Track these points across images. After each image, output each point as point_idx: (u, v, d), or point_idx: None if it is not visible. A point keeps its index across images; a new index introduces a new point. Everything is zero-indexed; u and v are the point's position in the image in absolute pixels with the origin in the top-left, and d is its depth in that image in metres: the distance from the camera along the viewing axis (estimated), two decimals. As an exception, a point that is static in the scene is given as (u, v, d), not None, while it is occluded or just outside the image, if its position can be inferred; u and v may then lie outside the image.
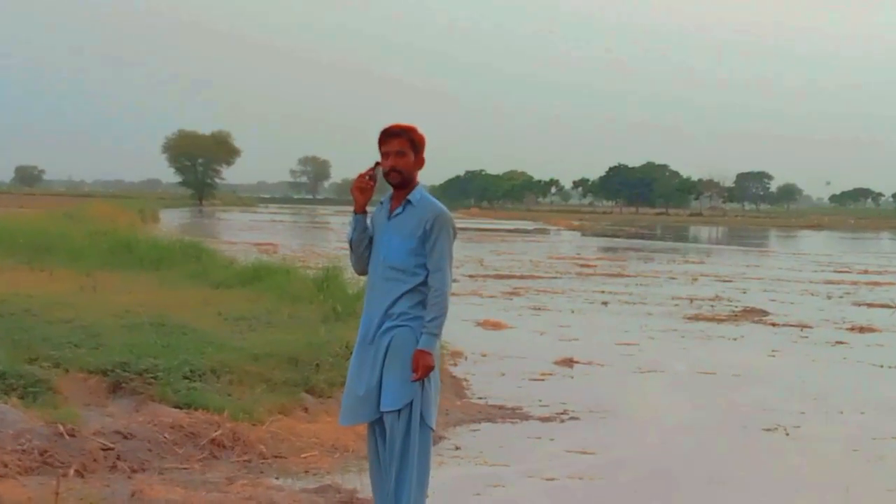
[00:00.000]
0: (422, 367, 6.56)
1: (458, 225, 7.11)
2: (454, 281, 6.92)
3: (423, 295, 6.67)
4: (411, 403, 6.62)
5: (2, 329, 14.16)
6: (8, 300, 17.23)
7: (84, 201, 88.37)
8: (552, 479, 10.94)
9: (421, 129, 6.91)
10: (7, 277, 22.38)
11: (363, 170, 6.84)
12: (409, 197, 6.78)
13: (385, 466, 6.71)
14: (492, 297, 29.69)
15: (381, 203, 6.96)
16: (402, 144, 6.75)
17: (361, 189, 6.80)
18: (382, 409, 6.65)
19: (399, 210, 6.78)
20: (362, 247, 6.92)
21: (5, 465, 9.45)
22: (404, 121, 6.97)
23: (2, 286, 20.12)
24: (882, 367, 19.10)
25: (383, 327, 6.71)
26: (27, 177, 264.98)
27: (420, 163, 6.86)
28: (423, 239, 6.70)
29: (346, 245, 7.11)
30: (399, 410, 6.61)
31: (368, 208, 6.94)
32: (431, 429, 6.74)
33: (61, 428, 10.33)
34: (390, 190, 6.92)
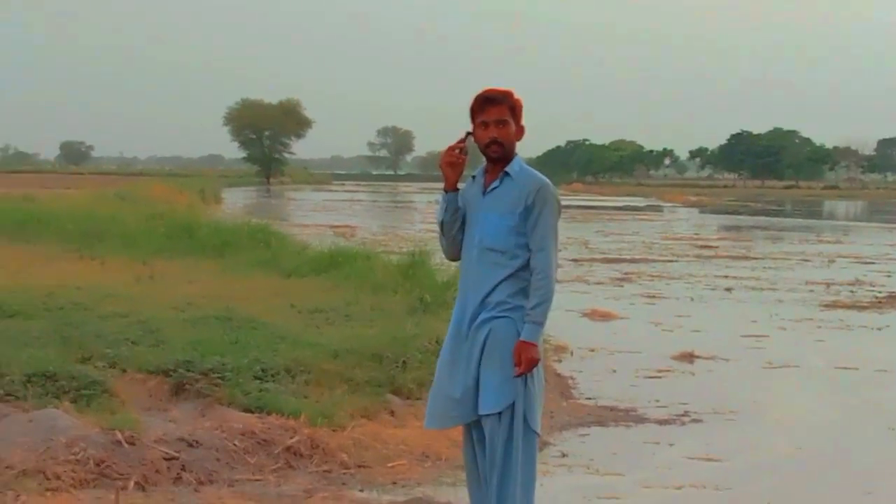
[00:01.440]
0: (525, 361, 6.50)
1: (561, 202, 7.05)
2: (557, 266, 6.85)
3: (525, 281, 6.62)
4: (514, 404, 6.57)
5: (51, 325, 14.31)
6: (56, 293, 17.42)
7: (137, 180, 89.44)
8: (673, 490, 10.91)
9: (517, 96, 6.88)
10: (55, 267, 22.64)
11: (452, 141, 6.81)
12: (507, 169, 6.72)
13: (485, 476, 6.69)
14: (599, 283, 29.67)
15: (473, 178, 6.92)
16: (502, 112, 6.69)
17: (452, 164, 6.75)
18: (481, 411, 6.61)
19: (496, 184, 6.72)
20: (455, 229, 6.87)
21: (58, 478, 9.56)
22: (496, 84, 6.91)
23: (49, 277, 20.36)
24: None
25: (480, 318, 6.67)
26: (74, 154, 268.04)
27: (520, 132, 6.81)
28: (524, 215, 6.63)
29: (436, 227, 7.09)
30: (500, 413, 6.56)
31: (460, 185, 6.88)
32: (536, 433, 6.69)
33: (119, 435, 10.44)
34: (483, 162, 6.90)
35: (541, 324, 6.59)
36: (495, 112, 6.69)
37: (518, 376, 6.54)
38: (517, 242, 6.63)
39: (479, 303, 6.68)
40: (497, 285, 6.65)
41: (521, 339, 6.54)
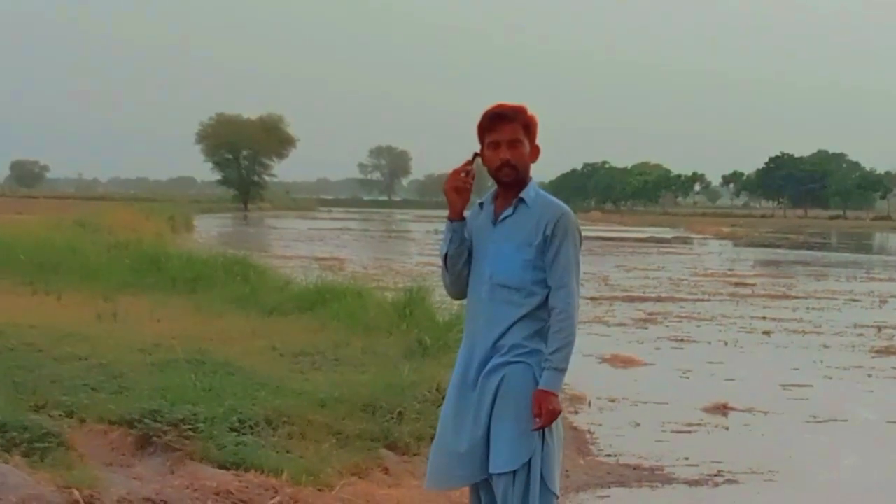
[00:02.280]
0: (546, 413, 6.43)
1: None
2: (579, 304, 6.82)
3: (543, 322, 6.57)
4: (530, 462, 6.52)
5: (0, 369, 14.32)
6: (6, 332, 17.39)
7: (98, 205, 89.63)
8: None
9: (532, 112, 6.83)
10: (5, 303, 22.62)
11: (457, 163, 6.77)
12: (522, 195, 6.66)
13: (495, 546, 6.64)
14: (621, 325, 29.70)
15: (481, 205, 6.86)
16: (515, 131, 6.62)
17: (458, 189, 6.67)
18: (492, 470, 6.54)
19: (509, 212, 6.66)
20: (460, 263, 6.80)
21: (7, 543, 9.56)
22: (508, 99, 6.86)
23: (-2, 314, 20.39)
24: None
25: (491, 364, 6.61)
26: (26, 175, 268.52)
27: (535, 153, 6.76)
28: (542, 247, 6.57)
29: (438, 261, 7.06)
30: (515, 472, 6.50)
31: (466, 213, 6.83)
32: (556, 495, 6.63)
33: (77, 494, 10.43)
34: (492, 187, 6.86)
35: (562, 370, 6.54)
36: (507, 131, 6.63)
37: (536, 430, 6.50)
38: (534, 278, 6.57)
39: (490, 346, 6.62)
40: (511, 326, 6.59)
41: (541, 387, 6.48)
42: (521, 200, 6.65)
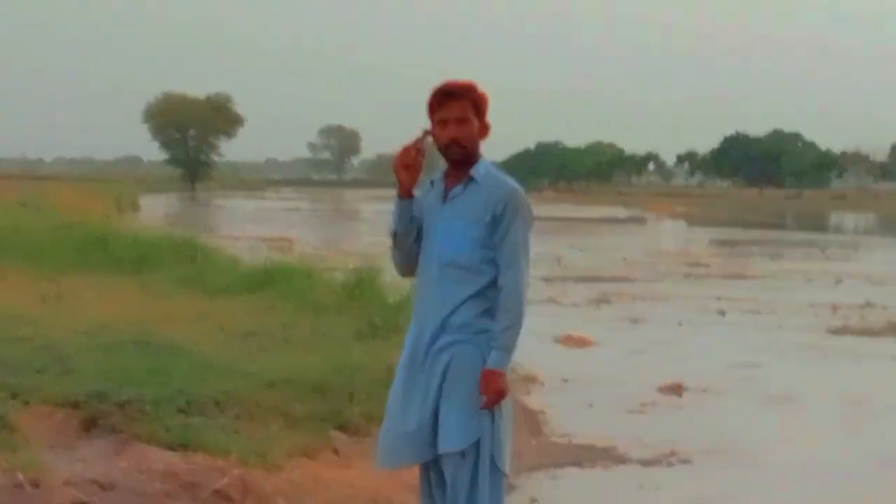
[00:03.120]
0: (493, 392, 6.48)
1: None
2: (529, 284, 6.84)
3: (492, 300, 6.60)
4: (479, 442, 6.56)
5: (-58, 351, 14.29)
6: (-53, 313, 17.37)
7: (43, 185, 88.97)
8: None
9: (482, 89, 6.86)
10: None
11: (407, 141, 6.79)
12: (472, 172, 6.68)
13: (443, 527, 6.67)
14: (574, 305, 29.83)
15: (431, 183, 6.88)
16: (463, 109, 6.65)
17: (407, 166, 6.68)
18: (441, 449, 6.58)
19: (459, 190, 6.68)
20: (409, 240, 6.83)
21: (-51, 526, 9.55)
22: (458, 76, 6.89)
23: (-61, 296, 20.32)
24: None
25: (439, 343, 6.64)
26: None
27: (485, 130, 6.78)
28: (491, 226, 6.59)
29: (387, 239, 7.08)
30: (463, 451, 6.55)
31: (416, 191, 6.85)
32: (505, 474, 6.68)
33: (21, 477, 10.41)
34: (442, 165, 6.88)
35: (510, 350, 6.58)
36: (456, 108, 6.65)
37: (485, 409, 6.53)
38: (483, 257, 6.60)
39: (438, 325, 6.64)
40: (459, 305, 6.62)
41: (488, 366, 6.52)
42: (471, 178, 6.67)
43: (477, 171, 6.68)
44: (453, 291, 6.62)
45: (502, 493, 6.70)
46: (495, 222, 6.57)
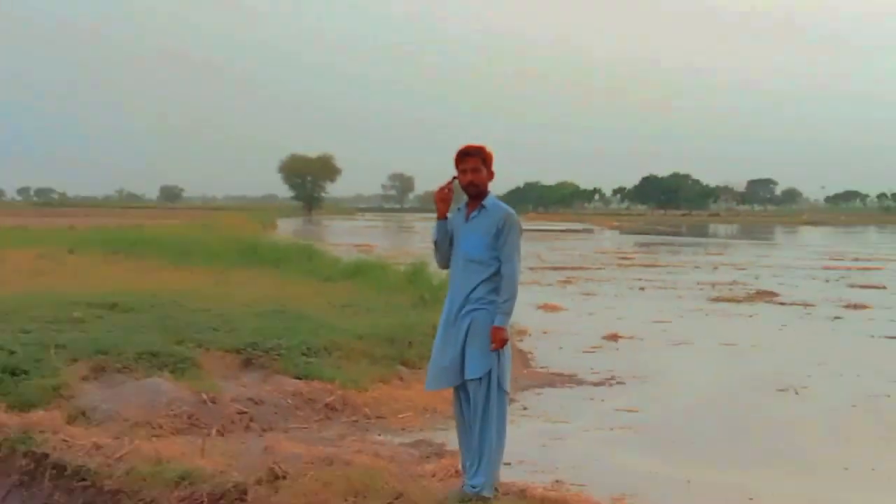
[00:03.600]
0: (498, 340, 6.49)
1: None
2: (520, 272, 6.82)
3: (497, 283, 6.57)
4: (490, 372, 6.54)
5: (155, 317, 14.28)
6: (159, 294, 17.37)
7: (216, 213, 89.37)
8: (605, 432, 10.90)
9: (489, 147, 6.85)
10: (157, 276, 22.63)
11: (442, 183, 6.79)
12: (484, 202, 6.68)
13: (469, 424, 6.63)
14: (549, 285, 29.63)
15: (459, 209, 6.85)
16: (475, 162, 6.66)
17: (442, 199, 6.74)
18: (466, 377, 6.57)
19: (475, 214, 6.68)
20: (445, 245, 6.83)
21: (160, 427, 9.54)
22: (473, 141, 6.88)
23: (153, 283, 20.35)
24: (873, 337, 18.93)
25: (464, 310, 6.61)
26: (170, 195, 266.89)
27: (490, 175, 6.77)
28: (496, 235, 6.60)
29: (431, 245, 7.05)
30: (480, 378, 6.54)
31: (449, 214, 6.86)
32: (507, 393, 6.65)
33: (205, 396, 10.41)
34: (465, 198, 6.85)
35: (509, 314, 6.55)
36: (471, 162, 6.65)
37: (493, 351, 6.51)
38: (491, 255, 6.58)
39: (463, 298, 6.62)
40: (476, 286, 6.59)
41: (495, 325, 6.50)
42: (483, 206, 6.67)
43: (486, 201, 6.68)
44: (473, 277, 6.60)
45: (505, 404, 6.66)
46: (498, 234, 6.57)
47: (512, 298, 6.57)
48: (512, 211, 6.73)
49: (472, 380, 6.55)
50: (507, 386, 6.65)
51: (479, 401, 6.56)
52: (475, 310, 6.59)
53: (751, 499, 8.10)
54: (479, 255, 6.62)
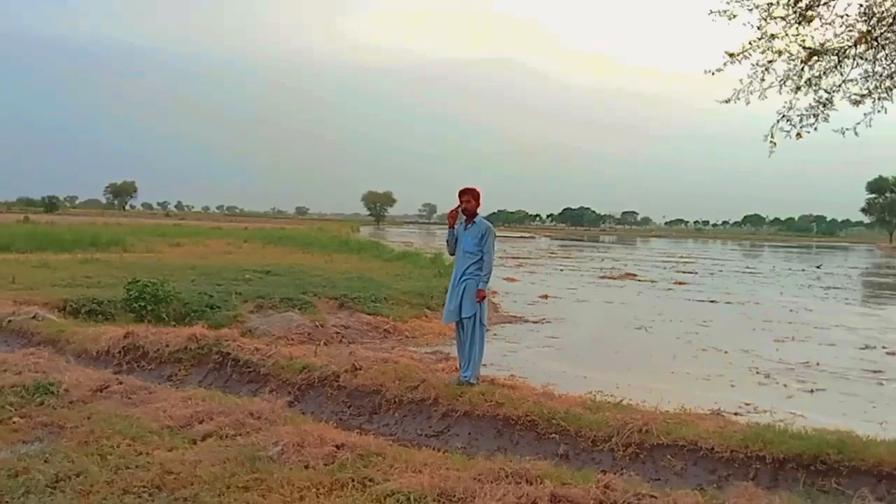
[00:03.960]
0: (479, 296, 6.41)
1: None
2: (493, 260, 6.76)
3: (480, 265, 6.45)
4: (476, 314, 6.44)
5: (290, 279, 14.30)
6: (293, 266, 17.42)
7: (326, 223, 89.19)
8: (539, 349, 10.88)
9: (478, 189, 6.74)
10: (293, 256, 22.62)
11: (452, 208, 6.73)
12: (475, 220, 6.57)
13: (464, 343, 6.53)
14: (510, 266, 29.52)
15: (461, 223, 6.78)
16: (468, 197, 6.54)
17: (452, 216, 6.67)
18: (462, 315, 6.47)
19: (470, 226, 6.55)
20: (453, 243, 6.72)
21: (292, 340, 9.57)
22: (471, 184, 6.81)
23: (290, 260, 20.35)
24: (689, 300, 18.83)
25: (461, 279, 6.50)
26: (301, 211, 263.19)
27: (478, 204, 6.62)
28: (481, 238, 6.49)
29: (445, 243, 7.01)
30: (471, 317, 6.44)
31: (456, 226, 6.79)
32: (485, 326, 6.53)
33: (317, 323, 10.42)
34: (465, 218, 6.78)
35: (486, 282, 6.44)
36: (465, 196, 6.54)
37: (478, 301, 6.44)
38: (478, 249, 6.46)
39: (461, 273, 6.50)
40: (469, 266, 6.48)
41: (478, 287, 6.42)
42: (474, 222, 6.57)
43: (476, 219, 6.57)
44: (467, 261, 6.51)
45: (484, 332, 6.53)
46: (482, 237, 6.48)
47: (488, 274, 6.48)
48: (490, 225, 6.66)
49: (465, 317, 6.50)
50: (485, 321, 6.56)
51: (469, 330, 6.47)
52: (467, 279, 6.49)
53: (617, 387, 8.08)
54: (470, 248, 6.53)
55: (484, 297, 6.47)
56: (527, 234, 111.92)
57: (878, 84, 5.20)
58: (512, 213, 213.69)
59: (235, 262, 18.51)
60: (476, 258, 6.53)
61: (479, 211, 6.71)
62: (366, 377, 6.76)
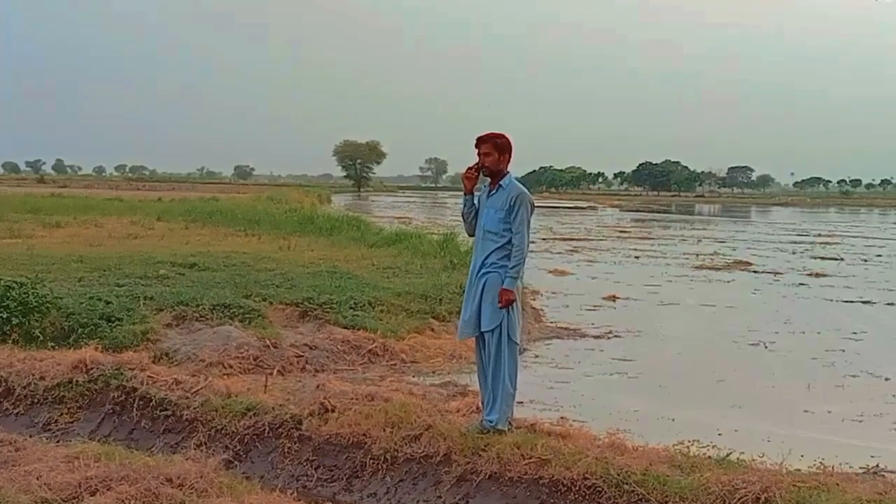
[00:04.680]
0: (504, 300, 6.44)
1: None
2: (532, 242, 6.76)
3: (508, 251, 6.49)
4: (501, 325, 6.48)
5: (227, 275, 14.37)
6: (231, 256, 17.50)
7: (281, 189, 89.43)
8: (605, 377, 10.89)
9: (506, 136, 6.73)
10: (230, 241, 22.76)
11: (469, 164, 6.75)
12: (501, 182, 6.60)
13: (486, 369, 6.59)
14: (559, 253, 29.52)
15: (484, 187, 6.82)
16: (488, 147, 6.60)
17: (469, 178, 6.68)
18: (482, 329, 6.53)
19: (494, 191, 6.62)
20: (470, 217, 6.78)
21: (231, 367, 9.61)
22: (495, 128, 6.83)
23: (226, 246, 20.47)
24: (832, 301, 18.82)
25: (480, 272, 6.57)
26: (242, 173, 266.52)
27: (504, 159, 6.66)
28: (508, 211, 6.51)
29: (460, 217, 7.04)
30: (493, 330, 6.49)
31: (475, 192, 6.82)
32: (516, 343, 6.58)
33: (268, 342, 10.46)
34: (488, 180, 6.80)
35: (515, 278, 6.46)
36: (484, 148, 6.59)
37: (501, 307, 6.46)
38: (504, 227, 6.49)
39: (480, 263, 6.57)
40: (490, 253, 6.53)
41: (503, 287, 6.43)
42: (500, 186, 6.59)
43: (504, 181, 6.59)
44: (488, 245, 6.54)
45: (516, 353, 6.60)
46: (510, 209, 6.47)
47: (519, 265, 6.48)
48: (524, 190, 6.62)
49: (486, 331, 6.51)
50: (518, 338, 6.59)
51: (492, 349, 6.51)
52: (488, 272, 6.52)
53: (720, 433, 8.07)
54: (493, 227, 6.55)
55: (512, 301, 6.49)
56: (584, 204, 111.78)
57: None
58: (561, 171, 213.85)
59: (144, 250, 18.58)
60: (502, 241, 6.54)
61: (508, 169, 6.68)
62: (342, 423, 6.79)
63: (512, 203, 6.51)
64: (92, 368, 8.11)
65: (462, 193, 6.81)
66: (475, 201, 6.79)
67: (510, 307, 6.48)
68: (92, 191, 66.32)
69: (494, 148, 6.62)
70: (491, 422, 6.49)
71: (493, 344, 6.50)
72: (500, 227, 6.54)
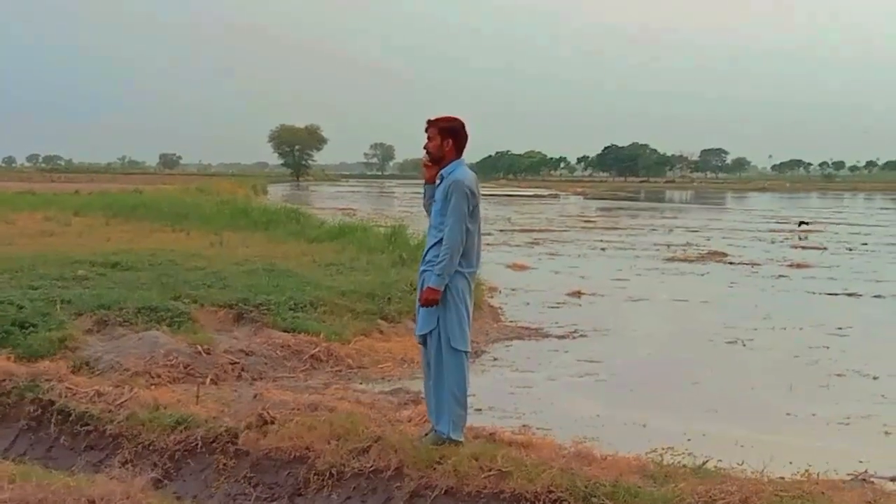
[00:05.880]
0: (423, 299, 6.37)
1: (490, 192, 6.99)
2: (487, 234, 6.76)
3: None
4: (439, 329, 6.39)
5: (153, 275, 14.26)
6: (157, 253, 17.37)
7: (211, 180, 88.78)
8: (569, 379, 10.95)
9: (457, 119, 6.61)
10: (155, 237, 22.60)
11: (420, 149, 6.73)
12: (442, 171, 6.52)
13: (430, 376, 6.54)
14: (518, 245, 29.63)
15: (440, 176, 6.80)
16: (433, 133, 6.53)
17: (425, 165, 6.66)
18: (416, 331, 6.55)
19: (438, 181, 6.56)
20: (430, 209, 6.77)
21: (158, 376, 9.53)
22: (453, 113, 6.80)
23: (152, 243, 20.32)
24: (814, 293, 19.07)
25: (421, 269, 6.54)
26: (168, 162, 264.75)
27: (447, 144, 6.51)
28: (445, 202, 6.40)
29: (411, 208, 7.06)
30: (428, 335, 6.43)
31: (437, 179, 6.71)
32: (457, 350, 6.42)
33: (199, 348, 10.39)
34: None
35: (441, 275, 6.31)
36: (429, 132, 6.54)
37: (422, 307, 6.42)
38: (442, 220, 6.38)
39: (423, 258, 6.55)
40: (430, 248, 6.46)
41: (427, 285, 6.35)
42: (441, 175, 6.51)
43: (445, 170, 6.46)
44: (431, 240, 6.48)
45: (463, 360, 6.47)
46: (446, 199, 6.36)
47: (443, 261, 6.34)
48: (459, 178, 6.45)
49: (422, 335, 6.48)
50: (462, 345, 6.45)
51: (431, 357, 6.46)
52: (425, 271, 6.46)
53: (689, 438, 8.13)
54: (434, 220, 6.52)
55: (431, 302, 6.37)
56: (545, 192, 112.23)
57: None
58: (520, 156, 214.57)
59: (60, 249, 18.37)
60: (440, 235, 6.44)
61: (456, 156, 6.54)
62: (282, 436, 6.76)
63: (448, 192, 6.39)
64: (4, 380, 8.02)
65: (421, 182, 6.78)
66: (433, 190, 6.74)
67: (446, 308, 6.37)
68: (1, 183, 65.32)
69: (438, 132, 6.56)
70: (443, 433, 6.45)
71: (433, 349, 6.43)
72: (438, 219, 6.45)
